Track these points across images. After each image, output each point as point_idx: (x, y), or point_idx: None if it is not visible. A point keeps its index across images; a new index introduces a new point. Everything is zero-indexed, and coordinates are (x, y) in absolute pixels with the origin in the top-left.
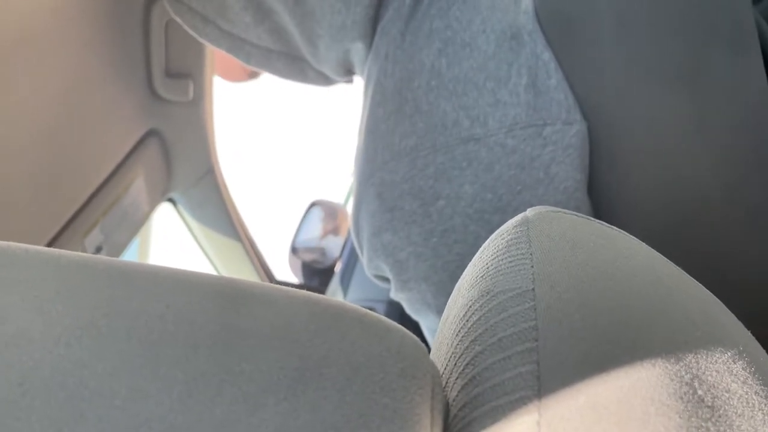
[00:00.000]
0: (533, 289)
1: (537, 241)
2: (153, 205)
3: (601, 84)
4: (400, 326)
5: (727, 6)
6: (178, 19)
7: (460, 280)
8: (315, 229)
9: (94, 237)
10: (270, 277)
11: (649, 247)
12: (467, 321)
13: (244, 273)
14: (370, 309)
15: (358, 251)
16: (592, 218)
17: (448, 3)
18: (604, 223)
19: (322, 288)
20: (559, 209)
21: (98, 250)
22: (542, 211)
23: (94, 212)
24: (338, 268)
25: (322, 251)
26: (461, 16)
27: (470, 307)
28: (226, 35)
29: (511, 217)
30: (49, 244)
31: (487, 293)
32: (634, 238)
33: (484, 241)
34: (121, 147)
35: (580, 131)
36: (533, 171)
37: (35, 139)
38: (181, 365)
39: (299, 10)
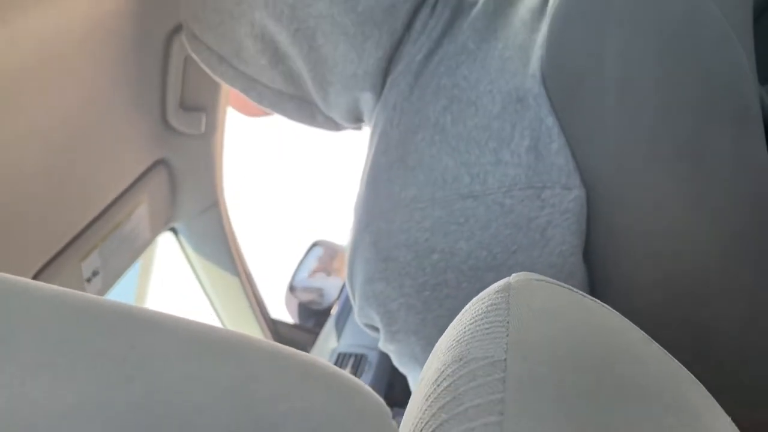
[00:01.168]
0: (505, 360)
1: (515, 310)
2: (154, 233)
3: (602, 152)
4: (367, 388)
5: (732, 83)
6: (194, 56)
7: (438, 342)
8: (314, 269)
9: (92, 261)
10: (264, 314)
11: (631, 324)
12: (438, 386)
13: (238, 308)
14: (363, 356)
15: (351, 298)
16: (575, 290)
17: (457, 62)
18: (587, 295)
19: (316, 329)
20: (543, 277)
21: (95, 274)
22: (525, 278)
23: (94, 236)
24: (335, 310)
25: (320, 292)
26: (469, 76)
27: (443, 372)
28: (241, 75)
29: (505, 276)
30: (46, 266)
31: (460, 359)
32: (617, 313)
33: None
34: (129, 174)
35: (579, 197)
36: (530, 232)
37: (44, 158)
38: (134, 412)
39: (313, 57)
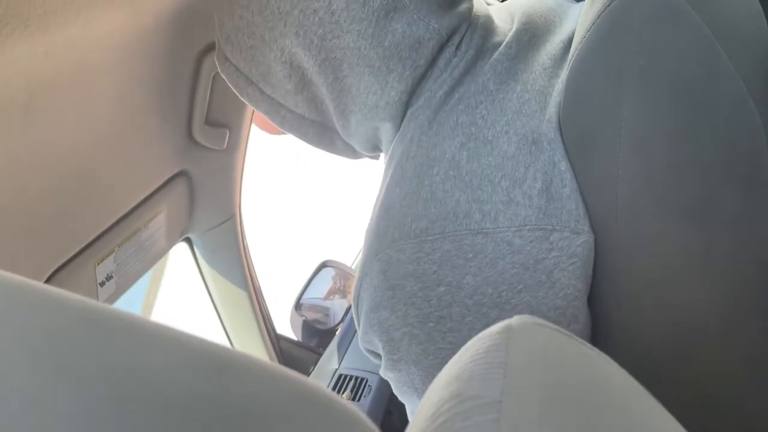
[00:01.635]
0: (501, 401)
1: (514, 352)
2: (170, 243)
3: (612, 202)
4: (366, 419)
5: (747, 147)
6: (224, 77)
7: (437, 376)
8: (322, 289)
9: (107, 265)
10: (269, 329)
11: (628, 376)
12: (434, 421)
13: (244, 321)
14: (363, 379)
15: (356, 323)
16: (575, 337)
17: (476, 101)
18: (586, 343)
19: (319, 349)
20: (544, 322)
21: (108, 278)
22: (527, 321)
23: (111, 241)
24: (339, 331)
25: (326, 311)
26: (487, 116)
27: (439, 407)
28: (267, 98)
29: (509, 315)
30: (61, 267)
31: (457, 396)
32: (614, 364)
33: (477, 335)
34: (150, 183)
35: (587, 242)
36: (536, 273)
37: (70, 161)
38: (142, 425)
39: (338, 86)
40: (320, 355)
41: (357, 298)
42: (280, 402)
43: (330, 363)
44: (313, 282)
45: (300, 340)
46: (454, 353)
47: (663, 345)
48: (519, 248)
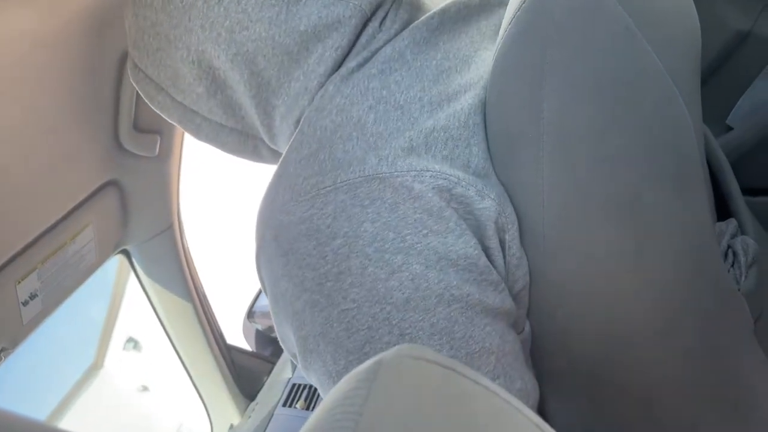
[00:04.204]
0: None
1: (374, 398)
2: (103, 256)
3: (538, 204)
4: None
5: (675, 143)
6: (134, 84)
7: (310, 419)
8: None
9: (30, 283)
10: (219, 341)
11: (515, 412)
12: None
13: (191, 334)
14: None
15: (272, 316)
16: (459, 371)
17: (391, 68)
18: (471, 375)
19: (273, 359)
20: (425, 357)
21: (32, 297)
22: (402, 355)
23: (33, 257)
24: None
25: None
26: (401, 81)
27: None
28: (178, 106)
29: (416, 261)
30: None
31: None
32: (500, 400)
33: (382, 286)
34: (75, 194)
35: (489, 209)
36: (441, 220)
37: None
38: None
39: (255, 82)
40: (274, 364)
41: (260, 278)
42: None
43: (284, 372)
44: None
45: (253, 350)
46: (359, 314)
47: (600, 346)
48: (420, 193)
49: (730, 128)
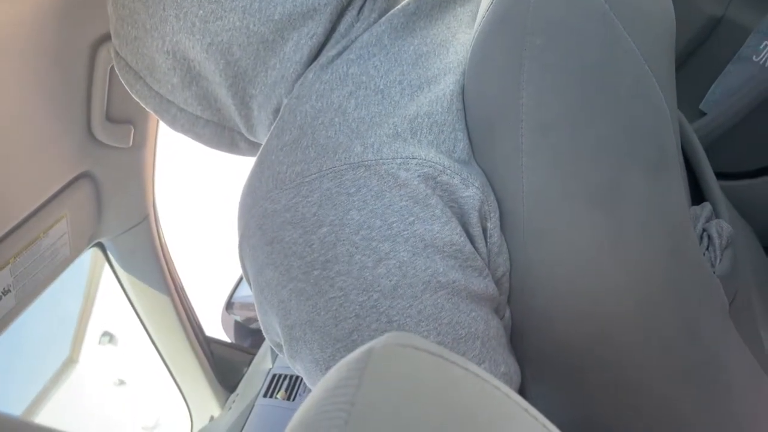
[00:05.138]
0: None
1: (366, 388)
2: (77, 250)
3: (519, 190)
4: None
5: (652, 129)
6: (117, 72)
7: (297, 413)
8: None
9: (2, 279)
10: (197, 333)
11: (504, 398)
12: None
13: (169, 327)
14: (298, 378)
15: (256, 306)
16: (448, 358)
17: (369, 53)
18: (460, 362)
19: (252, 350)
20: (412, 341)
21: (5, 292)
22: (392, 343)
23: (5, 252)
24: None
25: None
26: (380, 66)
27: None
28: (155, 95)
29: (403, 248)
30: None
31: None
32: (489, 387)
33: (369, 274)
34: (47, 187)
35: (473, 197)
36: (428, 207)
37: None
38: None
39: (231, 72)
40: (254, 355)
41: (243, 267)
42: None
43: (264, 363)
44: (244, 279)
45: (233, 341)
46: (346, 302)
47: (580, 331)
48: (405, 181)
49: (703, 113)
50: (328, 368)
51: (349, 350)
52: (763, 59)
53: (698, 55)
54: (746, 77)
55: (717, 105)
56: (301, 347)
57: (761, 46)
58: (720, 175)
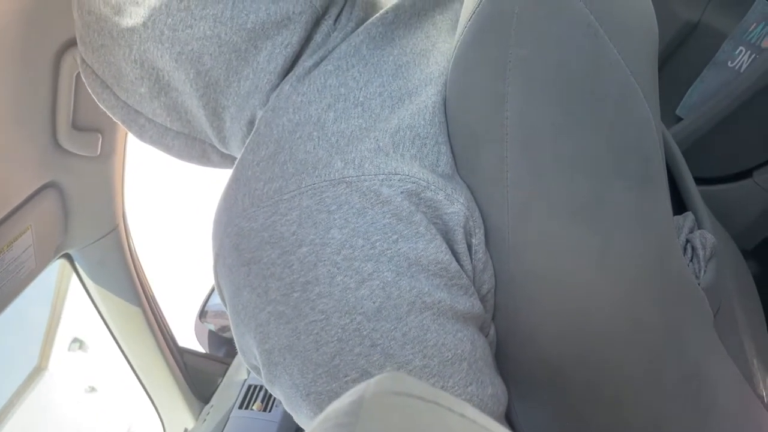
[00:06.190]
0: None
1: None
2: (43, 262)
3: (503, 204)
4: None
5: (637, 141)
6: (84, 80)
7: None
8: None
9: None
10: (170, 344)
11: None
12: None
13: (141, 338)
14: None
15: (233, 328)
16: (443, 404)
17: (348, 64)
18: (456, 407)
19: (227, 360)
20: (407, 391)
21: None
22: (382, 391)
23: None
24: None
25: None
26: (359, 77)
27: None
28: (122, 105)
29: (386, 268)
30: None
31: None
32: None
33: (351, 296)
34: (11, 198)
35: (457, 214)
36: (411, 224)
37: None
38: None
39: (201, 82)
40: (228, 365)
41: (218, 288)
42: None
43: (239, 373)
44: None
45: (207, 350)
46: (327, 326)
47: (565, 347)
48: (388, 198)
49: (680, 118)
50: (308, 394)
51: (331, 375)
52: (739, 65)
53: (674, 60)
54: (722, 82)
55: (693, 110)
56: (280, 372)
57: (736, 52)
58: (697, 180)
